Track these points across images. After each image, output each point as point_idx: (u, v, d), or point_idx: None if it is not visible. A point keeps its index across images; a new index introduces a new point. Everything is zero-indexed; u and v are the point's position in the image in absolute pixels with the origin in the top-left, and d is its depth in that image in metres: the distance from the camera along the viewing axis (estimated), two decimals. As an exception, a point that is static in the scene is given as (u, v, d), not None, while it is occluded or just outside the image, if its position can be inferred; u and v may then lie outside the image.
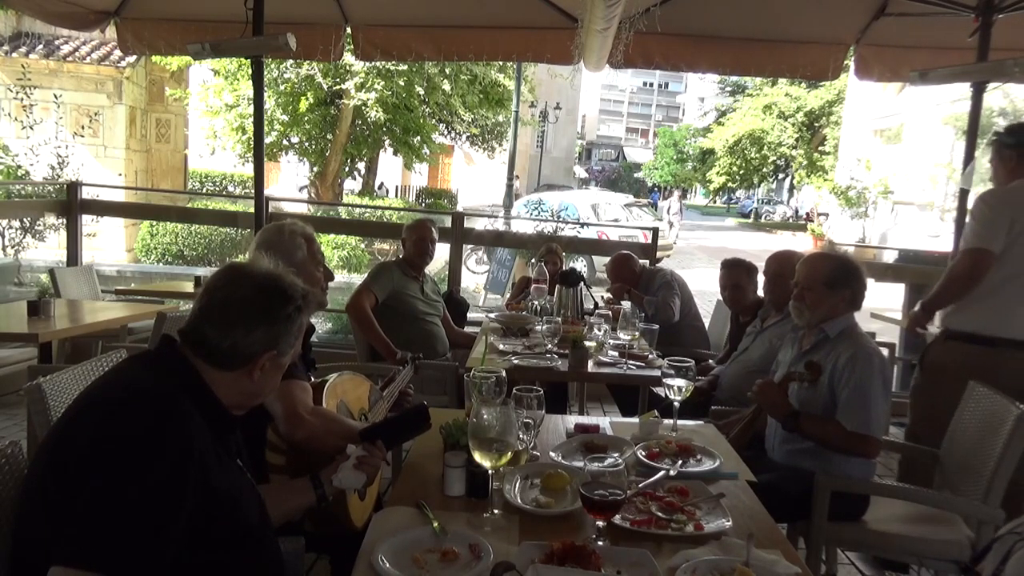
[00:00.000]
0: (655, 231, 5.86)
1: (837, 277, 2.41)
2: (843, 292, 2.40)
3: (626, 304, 4.26)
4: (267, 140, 10.41)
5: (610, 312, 3.99)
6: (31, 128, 9.86)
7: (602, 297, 4.74)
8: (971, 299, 2.84)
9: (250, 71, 6.77)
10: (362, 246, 12.52)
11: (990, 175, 3.15)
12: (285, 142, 14.29)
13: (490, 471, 1.60)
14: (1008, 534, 1.36)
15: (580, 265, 10.87)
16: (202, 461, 1.22)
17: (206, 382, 1.34)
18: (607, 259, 4.85)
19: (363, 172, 17.11)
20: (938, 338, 3.01)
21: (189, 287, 5.35)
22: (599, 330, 3.49)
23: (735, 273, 3.67)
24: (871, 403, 2.26)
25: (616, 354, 3.25)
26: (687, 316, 4.37)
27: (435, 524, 1.53)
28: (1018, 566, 1.28)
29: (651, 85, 74.21)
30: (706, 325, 4.55)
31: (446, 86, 13.52)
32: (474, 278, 11.61)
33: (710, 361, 3.71)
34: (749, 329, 3.37)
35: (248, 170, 14.32)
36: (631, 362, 3.16)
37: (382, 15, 4.58)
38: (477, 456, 1.59)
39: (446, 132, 17.61)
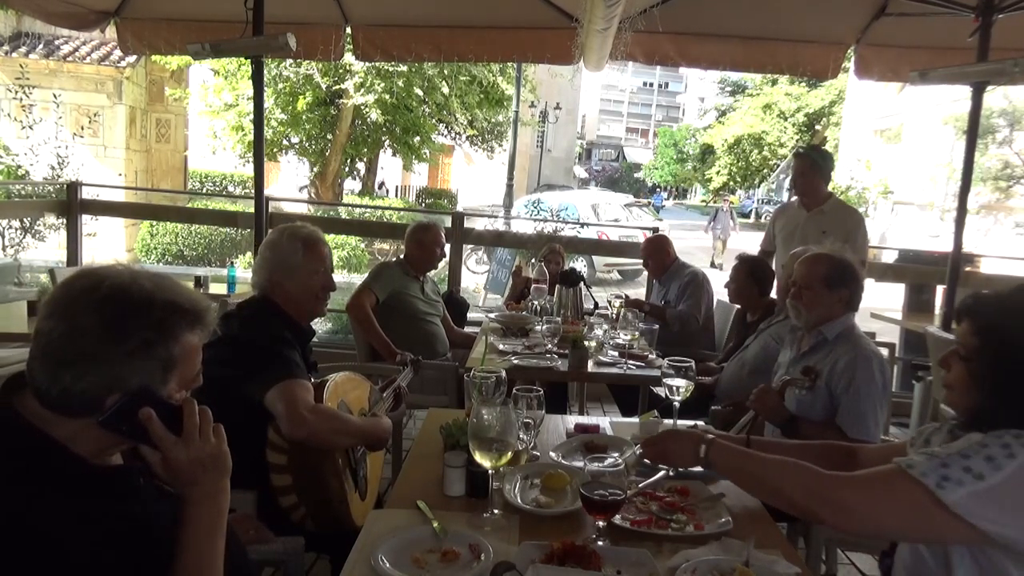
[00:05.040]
0: (655, 231, 5.85)
1: (835, 277, 2.40)
2: (840, 292, 2.39)
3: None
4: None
5: (610, 312, 3.97)
6: (31, 128, 9.86)
7: (616, 296, 4.71)
8: None
9: (250, 71, 6.77)
10: (362, 246, 12.52)
11: (798, 190, 4.02)
12: (285, 142, 14.28)
13: (490, 471, 1.60)
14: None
15: (580, 265, 10.86)
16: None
17: (50, 436, 1.04)
18: (607, 259, 4.84)
19: (363, 172, 17.09)
20: None
21: (189, 287, 5.35)
22: (599, 330, 3.49)
23: (735, 268, 3.67)
24: (870, 408, 2.25)
25: (616, 354, 3.25)
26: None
27: (435, 524, 1.53)
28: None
29: (651, 85, 74.13)
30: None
31: (445, 87, 13.50)
32: (474, 278, 11.61)
33: (711, 363, 3.70)
34: (761, 326, 3.37)
35: (248, 170, 14.31)
36: (631, 362, 3.16)
37: (382, 15, 4.58)
38: (477, 456, 1.58)
39: (446, 132, 17.59)
